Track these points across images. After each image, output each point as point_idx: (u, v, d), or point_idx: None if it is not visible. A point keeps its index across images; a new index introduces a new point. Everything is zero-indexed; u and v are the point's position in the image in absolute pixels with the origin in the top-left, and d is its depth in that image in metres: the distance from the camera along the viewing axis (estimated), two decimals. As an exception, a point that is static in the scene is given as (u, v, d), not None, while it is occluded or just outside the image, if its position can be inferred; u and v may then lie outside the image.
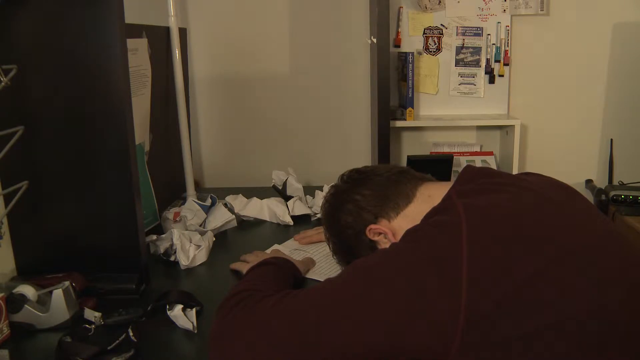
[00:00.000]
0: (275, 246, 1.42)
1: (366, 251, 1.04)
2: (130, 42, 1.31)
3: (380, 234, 1.04)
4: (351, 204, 1.07)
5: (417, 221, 0.87)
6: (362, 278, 0.80)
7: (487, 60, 2.30)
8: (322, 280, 1.06)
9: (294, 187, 1.76)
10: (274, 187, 1.80)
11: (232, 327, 0.83)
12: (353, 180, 1.10)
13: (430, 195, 1.00)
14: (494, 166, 2.32)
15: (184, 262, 1.34)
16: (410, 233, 0.84)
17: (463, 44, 2.29)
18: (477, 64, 2.31)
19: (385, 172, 1.08)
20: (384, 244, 1.03)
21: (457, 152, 2.30)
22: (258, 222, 1.67)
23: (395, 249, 0.83)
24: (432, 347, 0.73)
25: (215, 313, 0.89)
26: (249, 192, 1.77)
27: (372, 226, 1.03)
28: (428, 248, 0.78)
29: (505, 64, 2.30)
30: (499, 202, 0.84)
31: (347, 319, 0.76)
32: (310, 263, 1.28)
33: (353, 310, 0.77)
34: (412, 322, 0.73)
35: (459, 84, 2.33)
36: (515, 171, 2.19)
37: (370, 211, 1.04)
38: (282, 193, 1.77)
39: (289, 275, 1.11)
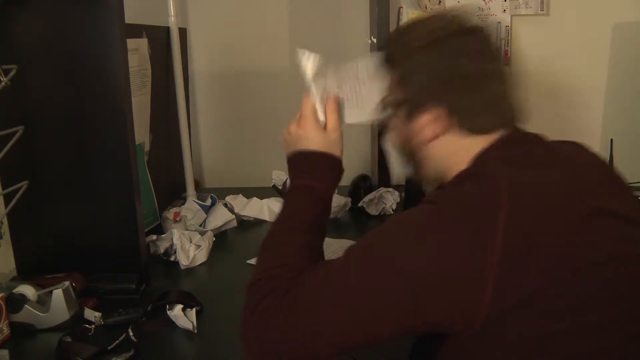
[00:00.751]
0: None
1: (397, 133, 0.86)
2: (130, 42, 1.31)
3: (432, 133, 0.80)
4: (452, 55, 0.80)
5: (467, 163, 0.76)
6: (382, 268, 0.73)
7: (487, 60, 2.30)
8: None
9: (294, 187, 1.76)
10: (274, 187, 1.80)
11: (263, 322, 0.77)
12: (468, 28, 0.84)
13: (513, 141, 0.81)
14: (494, 166, 2.31)
15: (184, 262, 1.34)
16: (436, 203, 0.73)
17: (463, 44, 2.29)
18: (477, 64, 2.30)
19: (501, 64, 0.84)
20: (419, 152, 0.83)
21: (457, 152, 2.29)
22: (258, 222, 1.67)
23: (418, 224, 0.73)
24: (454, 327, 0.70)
25: (245, 300, 0.82)
26: (249, 192, 1.77)
27: (440, 112, 0.77)
28: (456, 230, 0.69)
29: (505, 64, 2.30)
30: (549, 185, 0.74)
31: (367, 310, 0.72)
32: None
33: (373, 302, 0.72)
34: (431, 311, 0.70)
35: (459, 84, 2.32)
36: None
37: (459, 90, 0.78)
38: (282, 193, 1.77)
39: (321, 207, 0.93)
